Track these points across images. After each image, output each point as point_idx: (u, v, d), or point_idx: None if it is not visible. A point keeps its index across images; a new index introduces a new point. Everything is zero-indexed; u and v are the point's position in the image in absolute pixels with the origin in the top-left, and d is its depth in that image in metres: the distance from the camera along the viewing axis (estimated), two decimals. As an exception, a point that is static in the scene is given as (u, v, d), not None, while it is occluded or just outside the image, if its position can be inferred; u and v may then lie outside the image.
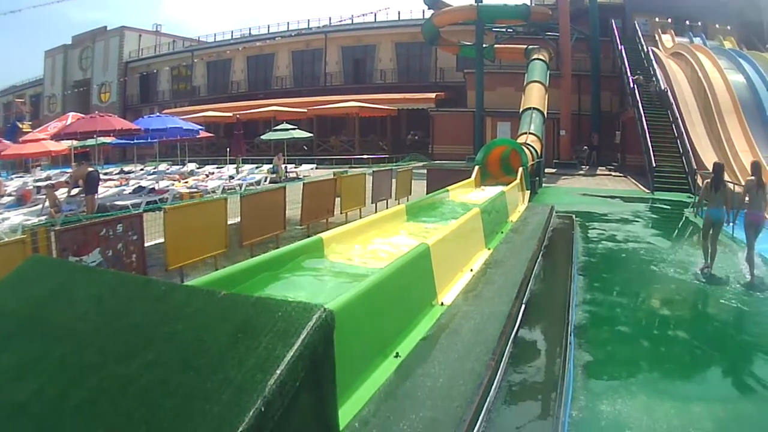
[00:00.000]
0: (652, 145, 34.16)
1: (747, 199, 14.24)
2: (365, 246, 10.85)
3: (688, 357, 8.79)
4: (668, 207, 26.08)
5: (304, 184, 18.30)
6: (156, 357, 3.12)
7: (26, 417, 3.03)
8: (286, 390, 2.84)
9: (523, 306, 9.00)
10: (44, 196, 21.59)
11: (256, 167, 39.83)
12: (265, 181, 34.23)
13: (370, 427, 4.72)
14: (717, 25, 51.49)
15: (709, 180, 14.95)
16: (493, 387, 6.07)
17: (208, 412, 2.65)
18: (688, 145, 33.15)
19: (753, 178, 14.41)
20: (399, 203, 20.62)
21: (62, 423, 2.93)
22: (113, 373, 3.08)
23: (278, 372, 2.84)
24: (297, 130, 46.43)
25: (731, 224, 15.91)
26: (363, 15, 74.23)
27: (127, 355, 3.16)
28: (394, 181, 24.72)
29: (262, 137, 48.96)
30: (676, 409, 6.71)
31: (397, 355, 6.24)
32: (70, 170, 27.93)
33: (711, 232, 14.29)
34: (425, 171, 28.61)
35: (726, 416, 6.80)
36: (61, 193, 23.52)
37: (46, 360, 3.35)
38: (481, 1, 49.18)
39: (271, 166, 38.48)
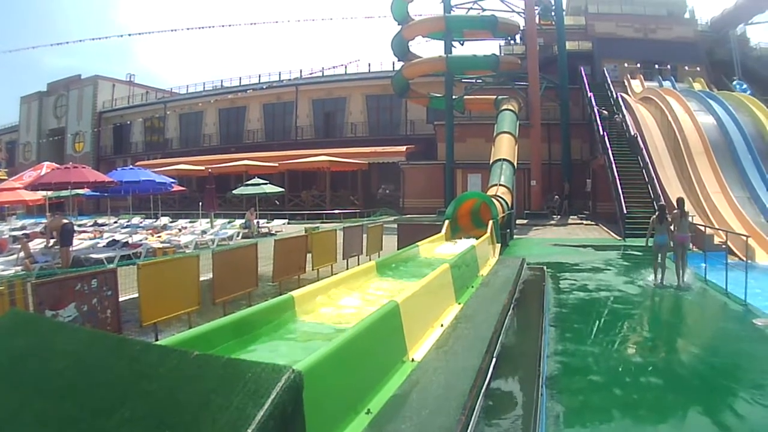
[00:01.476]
0: (622, 192, 34.52)
1: (673, 227, 19.54)
2: (336, 303, 10.84)
3: (661, 402, 8.82)
4: (640, 253, 26.21)
5: (275, 241, 18.28)
6: (132, 414, 3.18)
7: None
8: (258, 449, 2.90)
9: (494, 359, 8.99)
10: (18, 247, 21.57)
11: (229, 222, 39.82)
12: (238, 236, 34.29)
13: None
14: (686, 67, 52.32)
15: (656, 215, 20.07)
16: (465, 442, 6.07)
17: (184, 469, 2.72)
18: (659, 190, 33.52)
19: (677, 210, 19.73)
20: (370, 259, 20.71)
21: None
22: (92, 428, 3.14)
23: (249, 431, 2.90)
24: (268, 185, 46.36)
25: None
26: (334, 67, 74.70)
27: (105, 411, 3.21)
28: (365, 236, 24.76)
29: (234, 192, 49.11)
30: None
31: (368, 412, 6.23)
32: (44, 220, 27.90)
33: (659, 254, 19.36)
34: (396, 226, 28.66)
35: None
36: (36, 244, 23.52)
37: (25, 413, 3.41)
38: (451, 52, 49.54)
39: (243, 221, 38.58)
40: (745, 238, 17.82)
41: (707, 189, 32.89)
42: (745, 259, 16.36)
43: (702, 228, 24.00)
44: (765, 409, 8.59)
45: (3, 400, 3.59)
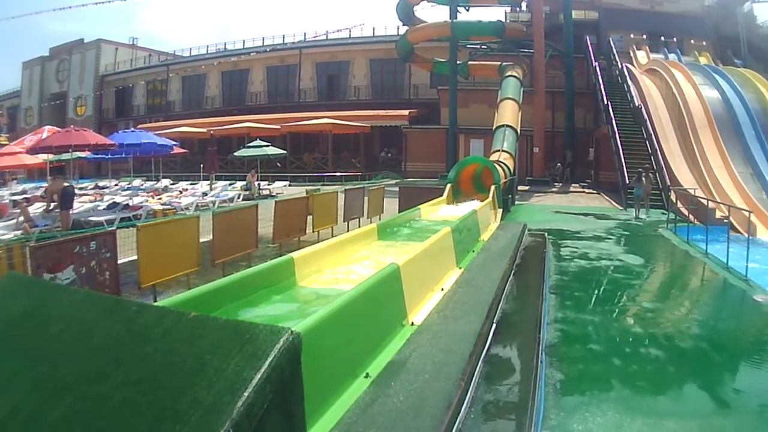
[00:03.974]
0: (625, 162, 34.43)
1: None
2: (336, 265, 10.82)
3: (660, 374, 8.77)
4: (641, 223, 26.20)
5: (276, 202, 18.22)
6: (127, 377, 3.12)
7: (3, 437, 3.03)
8: (254, 412, 2.84)
9: (494, 325, 8.98)
10: (19, 211, 21.49)
11: (230, 184, 39.72)
12: (239, 198, 34.18)
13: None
14: (692, 41, 51.93)
15: (635, 177, 29.61)
16: (464, 407, 6.04)
17: (178, 432, 2.66)
18: (661, 162, 33.41)
19: (644, 176, 29.50)
20: (371, 221, 20.61)
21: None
22: (87, 393, 3.07)
23: (246, 394, 2.84)
24: (270, 147, 46.49)
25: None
26: (338, 31, 74.39)
27: (100, 375, 3.15)
28: (366, 199, 24.66)
29: (235, 154, 49.24)
30: (648, 426, 6.71)
31: (366, 376, 6.21)
32: (45, 184, 27.73)
33: (637, 200, 29.21)
34: (397, 189, 28.61)
35: (699, 431, 6.82)
36: (37, 208, 23.39)
37: (21, 379, 3.35)
38: (456, 18, 49.25)
39: (244, 183, 38.44)
40: (747, 213, 17.74)
41: (710, 163, 32.94)
42: (747, 234, 16.28)
43: (704, 201, 23.91)
44: (763, 383, 8.57)
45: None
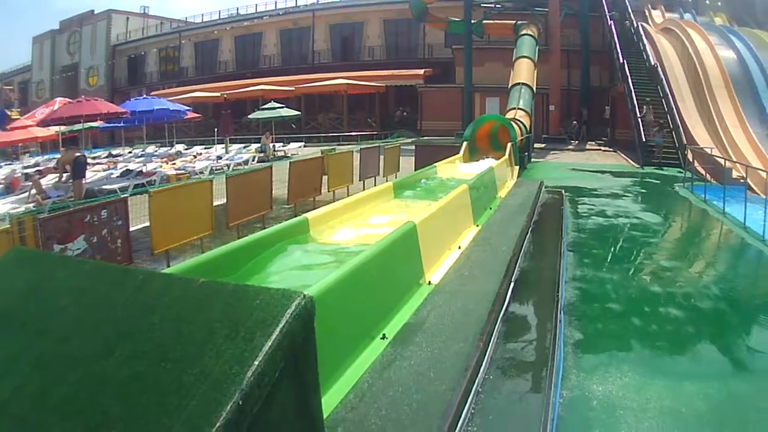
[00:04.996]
0: (642, 120, 34.09)
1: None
2: (351, 225, 10.75)
3: (679, 334, 8.74)
4: (658, 181, 26.14)
5: (290, 163, 18.16)
6: (133, 350, 3.02)
7: (6, 416, 2.94)
8: (265, 382, 2.74)
9: (512, 284, 8.91)
10: (31, 184, 21.48)
11: (244, 147, 39.69)
12: (254, 160, 34.09)
13: (356, 414, 4.63)
14: (707, 1, 51.24)
15: (657, 126, 30.37)
16: (482, 368, 5.97)
17: (185, 407, 2.56)
18: (678, 120, 33.10)
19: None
20: (387, 180, 20.53)
21: (43, 422, 2.85)
22: (92, 369, 2.98)
23: (256, 363, 2.74)
24: (285, 109, 46.37)
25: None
26: (352, -8, 73.80)
27: (106, 350, 3.05)
28: (381, 158, 24.51)
29: (249, 116, 48.94)
30: (668, 389, 6.66)
31: (383, 337, 6.14)
32: (58, 156, 27.69)
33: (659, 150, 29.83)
34: (413, 147, 28.36)
35: (719, 395, 6.72)
36: (50, 179, 23.40)
37: (26, 356, 3.25)
38: (470, -23, 48.69)
39: (259, 145, 38.28)
40: (765, 173, 17.56)
41: (726, 123, 32.62)
42: (764, 195, 16.15)
43: (721, 161, 23.73)
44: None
45: (3, 344, 3.44)
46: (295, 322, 3.04)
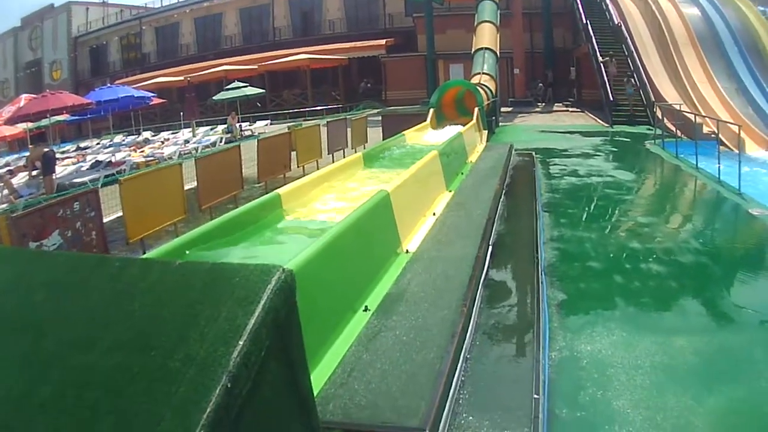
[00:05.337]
0: (608, 79, 34.14)
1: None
2: (324, 198, 10.75)
3: (663, 290, 8.76)
4: (628, 139, 26.26)
5: (258, 140, 18.07)
6: (115, 340, 2.92)
7: (-7, 422, 2.86)
8: (251, 362, 2.66)
9: (490, 247, 8.91)
10: (1, 184, 21.28)
11: (211, 129, 39.62)
12: (221, 141, 33.75)
13: (348, 388, 4.59)
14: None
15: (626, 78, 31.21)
16: (468, 334, 5.95)
17: (173, 393, 2.47)
18: (645, 78, 33.24)
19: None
20: (356, 152, 20.47)
21: (31, 425, 2.76)
22: (75, 364, 2.88)
23: (241, 343, 2.65)
24: (249, 88, 46.08)
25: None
26: (310, -37, 73.46)
27: (87, 342, 2.96)
28: (349, 130, 24.54)
29: (214, 98, 48.51)
30: (656, 344, 6.65)
31: (366, 309, 6.09)
32: (27, 153, 27.51)
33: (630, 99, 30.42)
34: (380, 118, 28.46)
35: (709, 348, 6.74)
36: (20, 178, 23.21)
37: (6, 357, 3.17)
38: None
39: (225, 126, 38.18)
40: (737, 127, 17.62)
41: (694, 79, 32.69)
42: (737, 150, 16.22)
43: (691, 116, 23.80)
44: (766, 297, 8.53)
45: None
46: (277, 298, 2.95)
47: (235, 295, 2.92)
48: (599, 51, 36.62)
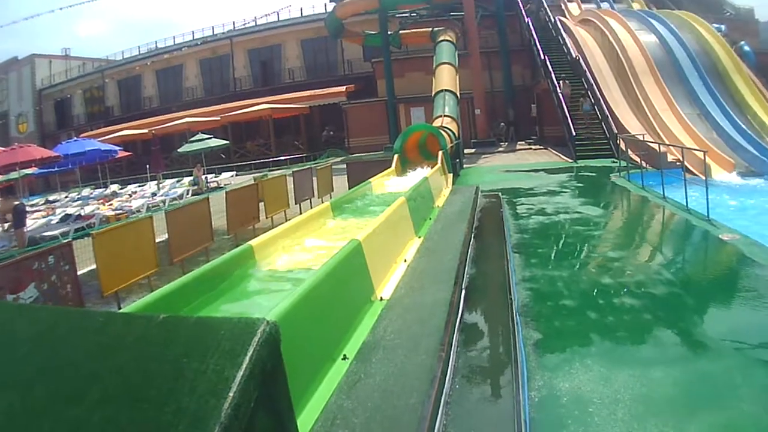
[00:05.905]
0: (569, 114, 34.50)
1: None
2: (296, 248, 10.79)
3: (637, 323, 8.76)
4: (593, 174, 26.42)
5: (226, 192, 18.07)
6: (103, 393, 2.94)
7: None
8: (241, 413, 2.68)
9: (464, 291, 8.96)
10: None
11: (177, 181, 39.62)
12: (188, 194, 33.80)
13: (333, 436, 4.62)
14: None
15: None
16: (447, 377, 5.97)
17: (167, 446, 2.51)
18: (606, 111, 33.51)
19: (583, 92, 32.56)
20: (322, 201, 20.51)
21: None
22: (64, 416, 2.89)
23: (231, 395, 2.67)
24: (213, 139, 46.06)
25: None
26: (266, 15, 73.85)
27: (75, 395, 2.97)
28: (315, 179, 24.55)
29: (179, 150, 48.60)
30: (634, 377, 6.66)
31: (344, 358, 6.12)
32: (-3, 206, 27.44)
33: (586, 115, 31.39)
34: (345, 165, 28.55)
35: (687, 377, 6.75)
36: (-8, 230, 23.11)
37: (-5, 412, 3.18)
38: (383, -11, 48.86)
39: (191, 178, 38.12)
40: (702, 153, 17.78)
41: (655, 107, 32.88)
42: (704, 176, 16.33)
43: (655, 146, 24.05)
44: (742, 323, 8.60)
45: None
46: (263, 349, 2.98)
47: (222, 348, 2.95)
48: (559, 86, 36.95)
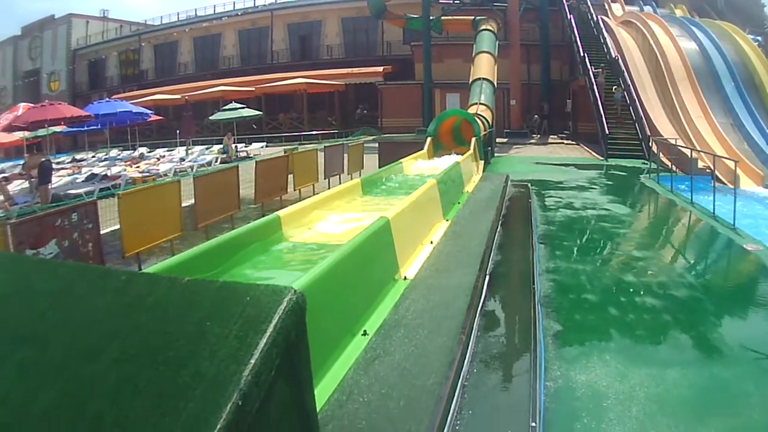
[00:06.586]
0: (604, 113, 34.28)
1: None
2: (323, 222, 10.80)
3: (657, 323, 8.71)
4: (623, 173, 26.22)
5: (256, 162, 18.11)
6: (122, 352, 2.91)
7: (-9, 428, 2.83)
8: (262, 380, 2.66)
9: (488, 277, 8.94)
10: (-3, 191, 21.27)
11: (207, 148, 39.65)
12: (216, 161, 33.88)
13: (347, 410, 4.60)
14: (667, -7, 51.55)
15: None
16: (466, 361, 5.99)
17: (183, 409, 2.46)
18: (641, 112, 33.23)
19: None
20: (351, 178, 20.48)
21: (30, 429, 2.74)
22: (79, 373, 2.86)
23: (252, 362, 2.65)
24: (246, 109, 46.26)
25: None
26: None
27: (92, 353, 2.94)
28: (345, 156, 24.59)
29: (211, 118, 48.71)
30: (651, 376, 6.62)
31: (365, 333, 6.13)
32: (23, 161, 27.48)
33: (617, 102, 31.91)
34: (376, 145, 28.64)
35: (702, 381, 6.72)
36: (15, 186, 23.17)
37: (7, 364, 3.14)
38: (429, -26, 48.64)
39: (221, 146, 38.15)
40: (733, 163, 17.63)
41: (690, 114, 32.67)
42: (732, 185, 16.21)
43: (687, 151, 23.90)
44: (759, 332, 8.55)
45: (-19, 353, 3.32)
46: (288, 319, 2.96)
47: (246, 314, 2.92)
48: (596, 84, 36.76)
